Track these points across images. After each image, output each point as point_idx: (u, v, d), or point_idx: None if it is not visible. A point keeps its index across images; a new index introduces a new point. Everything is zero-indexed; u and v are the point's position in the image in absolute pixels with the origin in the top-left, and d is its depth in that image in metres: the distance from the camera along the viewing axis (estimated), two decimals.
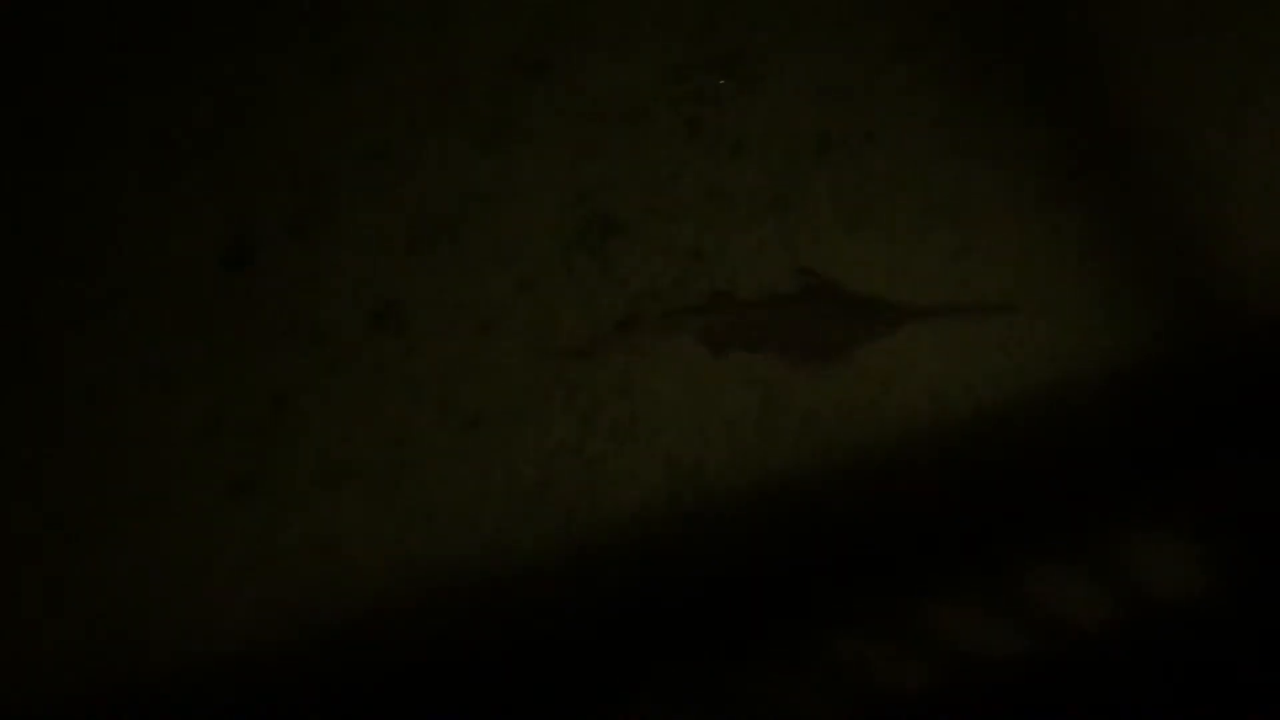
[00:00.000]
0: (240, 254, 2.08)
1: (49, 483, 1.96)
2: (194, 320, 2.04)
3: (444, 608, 1.91)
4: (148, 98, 2.17)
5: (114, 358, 2.02)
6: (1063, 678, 1.84)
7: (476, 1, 2.22)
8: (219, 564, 1.93)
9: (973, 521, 1.92)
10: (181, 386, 2.00)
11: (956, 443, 1.96)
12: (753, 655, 1.89)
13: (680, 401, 2.00)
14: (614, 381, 2.00)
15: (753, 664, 1.89)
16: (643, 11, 2.18)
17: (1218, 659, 1.84)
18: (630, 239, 2.07)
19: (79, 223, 2.10)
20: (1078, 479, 1.93)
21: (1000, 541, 1.90)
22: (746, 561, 1.91)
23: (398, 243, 2.07)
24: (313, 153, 2.13)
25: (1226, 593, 1.86)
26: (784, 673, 1.89)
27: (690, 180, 2.09)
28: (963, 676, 1.85)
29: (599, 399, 1.99)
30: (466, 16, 2.21)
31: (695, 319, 2.02)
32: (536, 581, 1.91)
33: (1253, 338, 1.98)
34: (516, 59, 2.17)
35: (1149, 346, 1.98)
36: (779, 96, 2.14)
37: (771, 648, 1.89)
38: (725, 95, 2.13)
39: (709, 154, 2.10)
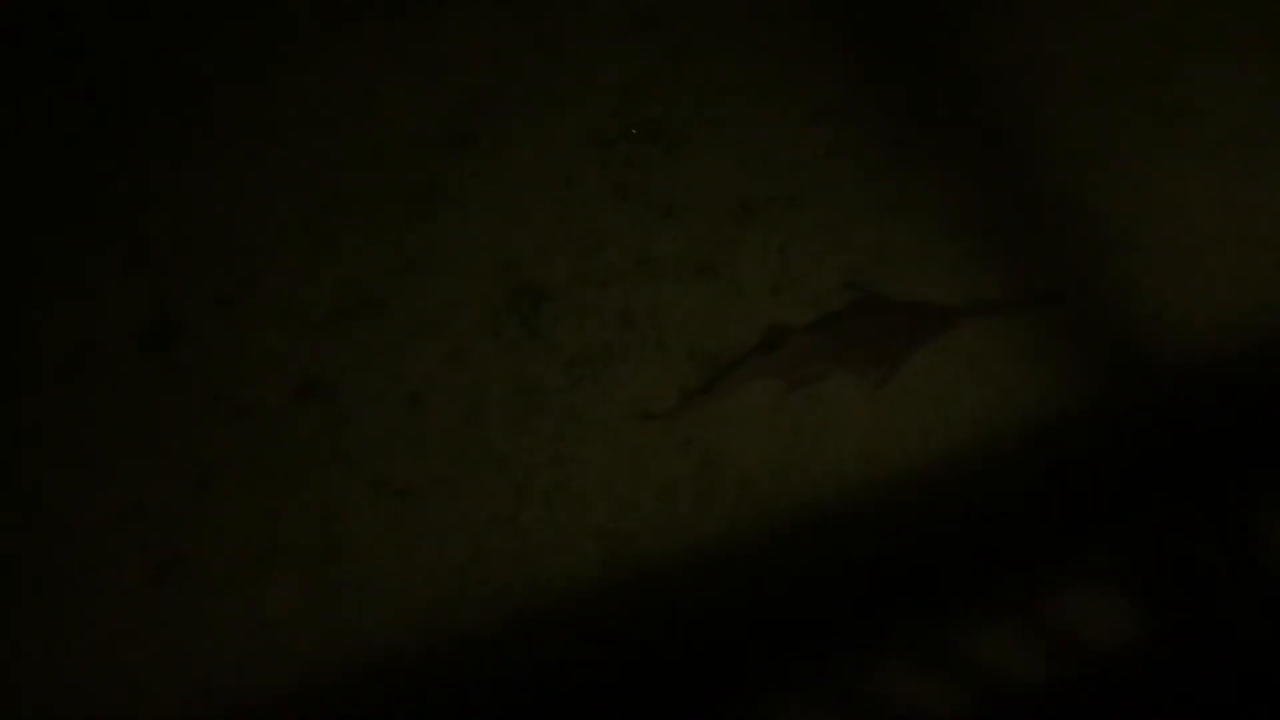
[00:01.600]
0: (163, 331, 2.05)
1: None
2: (117, 400, 2.01)
3: (379, 684, 1.87)
4: (65, 175, 2.15)
5: (33, 441, 1.98)
6: None
7: (402, 76, 2.23)
8: (146, 648, 1.88)
9: (907, 580, 1.93)
10: (104, 468, 1.96)
11: (889, 501, 1.97)
12: None
13: (613, 469, 1.99)
14: (546, 450, 2.00)
15: None
16: (566, 81, 2.21)
17: (1152, 708, 1.85)
18: (560, 306, 2.07)
19: None
20: (1009, 533, 1.95)
21: (936, 598, 1.91)
22: (683, 629, 1.90)
23: (324, 315, 2.06)
24: (237, 227, 2.11)
25: (1159, 641, 1.88)
26: None
27: (619, 246, 2.11)
28: None
29: (530, 468, 1.98)
30: (393, 91, 2.22)
31: (627, 384, 2.02)
32: (473, 653, 1.89)
33: (1169, 393, 2.03)
34: (442, 131, 2.18)
35: (1073, 402, 2.02)
36: (705, 162, 2.17)
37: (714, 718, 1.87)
38: (652, 161, 2.16)
39: (637, 220, 2.12)
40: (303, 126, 2.20)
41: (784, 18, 2.30)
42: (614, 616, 1.90)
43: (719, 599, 1.91)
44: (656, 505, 1.97)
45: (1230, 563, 1.92)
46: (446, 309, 2.07)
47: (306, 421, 2.00)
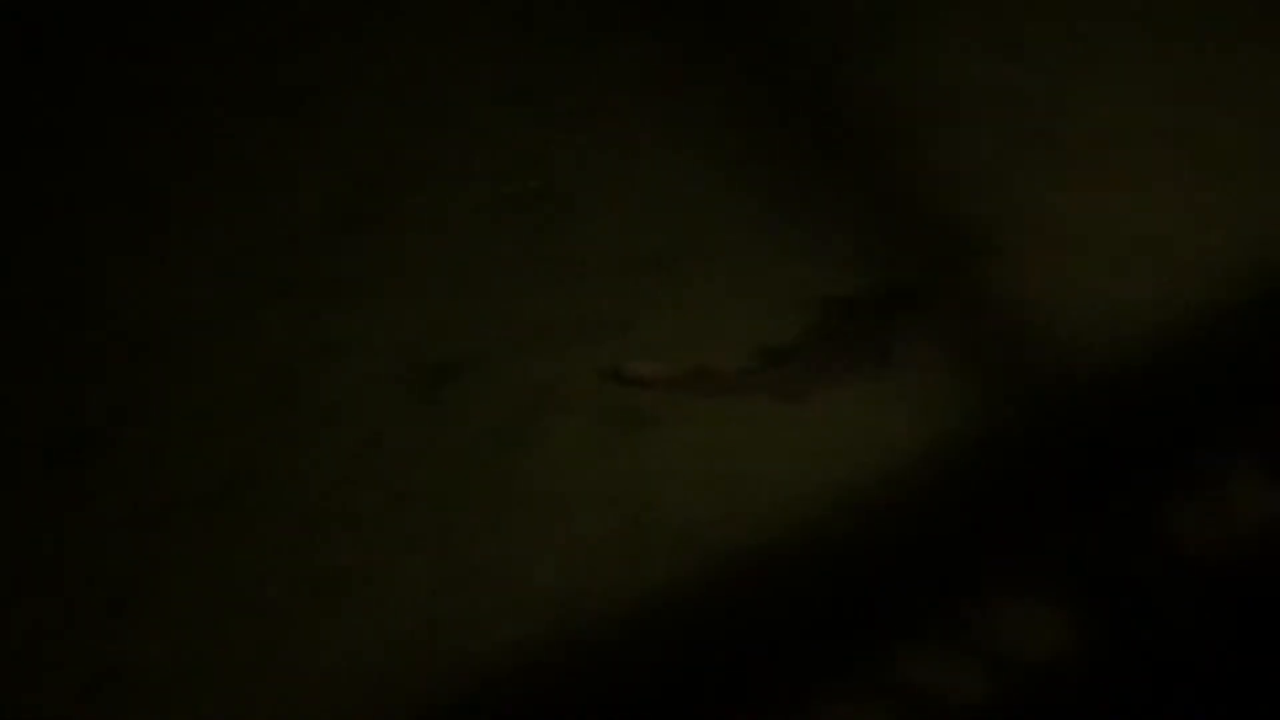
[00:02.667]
0: (68, 444, 2.02)
1: None
2: (24, 518, 1.97)
3: None
4: None
5: None
6: None
7: (297, 163, 2.25)
8: None
9: (849, 613, 1.93)
10: (19, 590, 1.92)
11: (824, 536, 1.98)
12: None
13: (548, 533, 1.99)
14: (478, 522, 1.99)
15: None
16: (461, 153, 2.23)
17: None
18: (472, 379, 2.08)
19: None
20: (941, 556, 1.96)
21: (872, 627, 1.92)
22: (629, 690, 1.89)
23: (235, 409, 2.05)
24: (142, 328, 2.10)
25: (1095, 654, 1.90)
26: None
27: (525, 313, 2.12)
28: None
29: (460, 541, 1.97)
30: (287, 179, 2.23)
31: (550, 449, 2.02)
32: None
33: (1099, 394, 2.06)
34: (341, 216, 2.19)
35: (993, 418, 2.05)
36: (605, 220, 2.20)
37: None
38: (553, 225, 2.18)
39: (540, 285, 2.14)
40: (203, 220, 2.20)
41: (662, 76, 2.35)
42: (564, 679, 1.88)
43: (665, 654, 1.90)
44: (594, 565, 1.96)
45: (1144, 565, 1.95)
46: (359, 392, 2.06)
47: (226, 521, 1.97)
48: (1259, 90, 2.29)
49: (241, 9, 2.47)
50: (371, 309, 2.13)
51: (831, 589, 1.94)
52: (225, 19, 2.45)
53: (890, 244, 2.18)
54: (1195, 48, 2.37)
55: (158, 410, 2.05)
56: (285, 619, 1.92)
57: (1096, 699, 1.87)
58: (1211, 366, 2.04)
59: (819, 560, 1.96)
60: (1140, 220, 2.15)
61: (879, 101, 2.30)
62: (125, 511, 1.98)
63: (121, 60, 2.46)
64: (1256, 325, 2.04)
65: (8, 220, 2.19)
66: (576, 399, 2.07)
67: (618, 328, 2.12)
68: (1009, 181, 2.22)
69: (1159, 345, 2.06)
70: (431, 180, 2.23)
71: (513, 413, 2.06)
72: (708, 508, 2.00)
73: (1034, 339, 2.09)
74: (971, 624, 1.92)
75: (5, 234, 2.18)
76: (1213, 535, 1.92)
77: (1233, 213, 2.14)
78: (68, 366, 2.07)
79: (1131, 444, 2.00)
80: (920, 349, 2.09)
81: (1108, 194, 2.17)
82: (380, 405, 2.07)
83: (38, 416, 2.04)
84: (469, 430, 2.05)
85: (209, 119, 2.40)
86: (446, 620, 1.92)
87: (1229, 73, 2.31)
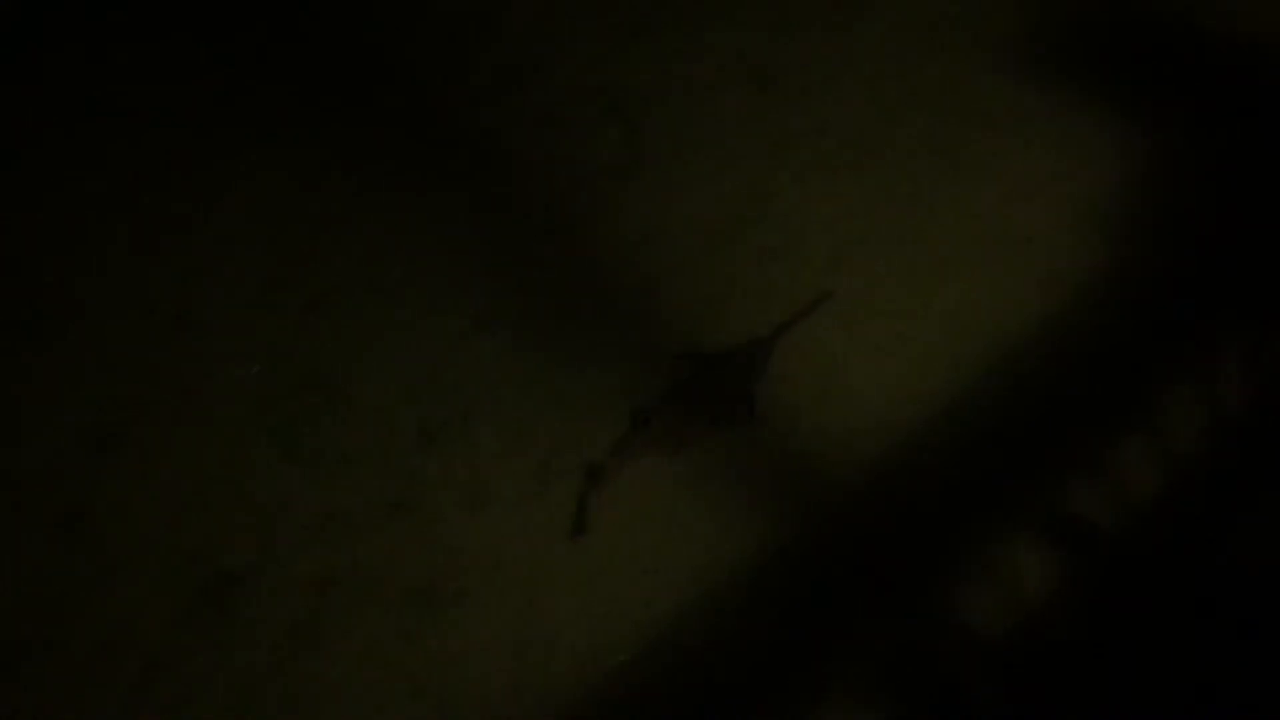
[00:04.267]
0: None
1: None
2: None
3: None
4: None
5: None
6: None
7: (52, 388, 2.13)
8: None
9: None
10: None
11: (629, 682, 1.97)
12: None
13: None
14: None
15: None
16: (211, 356, 2.16)
17: None
18: (254, 585, 1.98)
19: None
20: (748, 680, 1.98)
21: None
22: None
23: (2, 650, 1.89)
24: None
25: None
26: None
27: (301, 508, 2.05)
28: None
29: None
30: (45, 404, 2.11)
31: (346, 644, 1.94)
32: None
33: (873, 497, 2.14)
34: (92, 437, 2.08)
35: (782, 528, 2.10)
36: (371, 400, 2.16)
37: None
38: (317, 414, 2.13)
39: (314, 477, 2.08)
40: None
41: (414, 247, 2.35)
42: None
43: None
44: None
45: (943, 652, 2.03)
46: (130, 621, 1.93)
47: None
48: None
49: None
50: (134, 530, 2.02)
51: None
52: None
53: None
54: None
55: None
56: None
57: None
58: (979, 450, 2.17)
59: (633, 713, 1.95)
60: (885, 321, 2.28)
61: (631, 236, 2.37)
62: None
63: None
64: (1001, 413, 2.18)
65: None
66: (370, 586, 2.00)
67: (401, 507, 2.08)
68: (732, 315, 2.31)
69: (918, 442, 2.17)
70: (191, 381, 2.15)
71: (305, 611, 1.97)
72: (520, 677, 1.96)
73: (800, 456, 2.17)
74: None
75: None
76: (1006, 616, 2.02)
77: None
78: None
79: (917, 538, 2.09)
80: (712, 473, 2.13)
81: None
82: (160, 627, 1.94)
83: None
84: (260, 637, 1.95)
85: None
86: None
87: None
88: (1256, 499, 1.76)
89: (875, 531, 2.10)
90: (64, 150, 2.54)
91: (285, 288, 2.28)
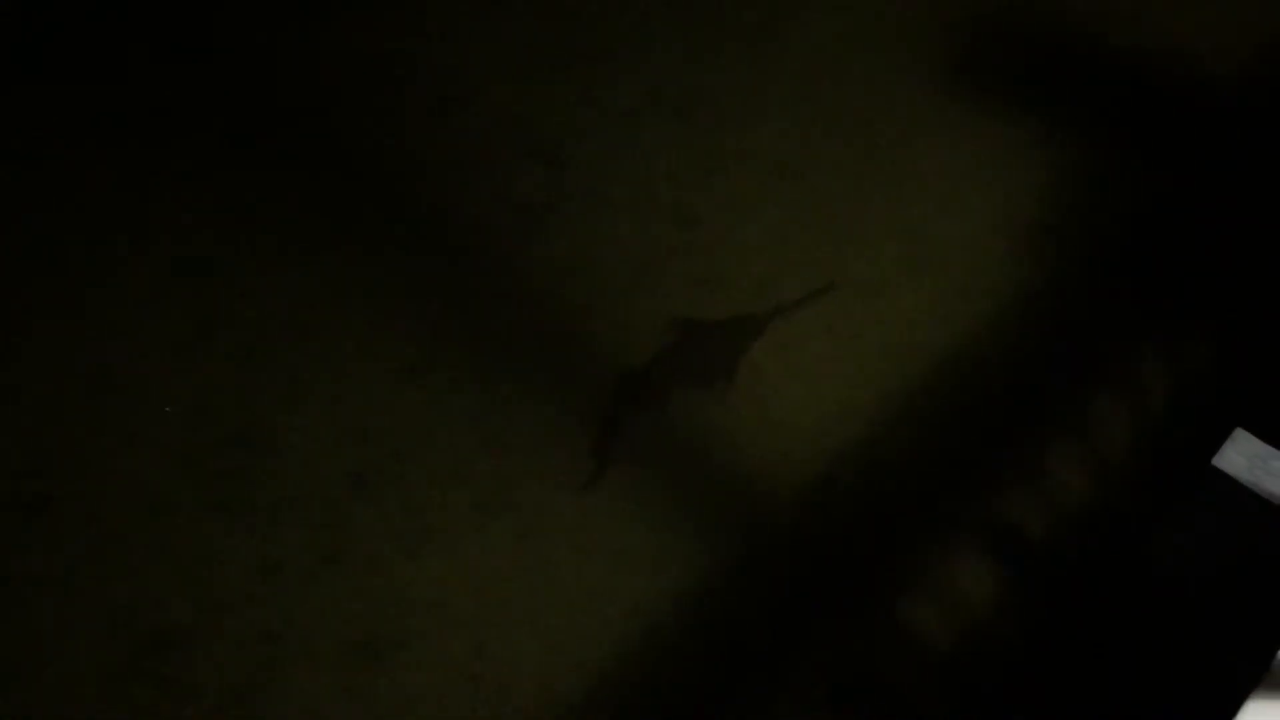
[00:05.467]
0: None
1: None
2: None
3: None
4: None
5: None
6: None
7: None
8: None
9: None
10: None
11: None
12: None
13: None
14: None
15: None
16: (134, 410, 2.13)
17: None
18: (191, 645, 1.94)
19: None
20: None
21: None
22: None
23: None
24: None
25: None
26: None
27: (236, 563, 2.01)
28: None
29: None
30: None
31: (288, 704, 1.92)
32: None
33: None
34: (16, 503, 2.04)
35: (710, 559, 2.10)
36: (302, 450, 2.13)
37: None
38: (246, 465, 2.10)
39: (247, 530, 2.05)
40: None
41: (341, 293, 2.33)
42: None
43: None
44: None
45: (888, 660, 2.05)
46: (63, 688, 1.89)
47: None
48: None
49: None
50: (72, 594, 1.98)
51: None
52: None
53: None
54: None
55: None
56: None
57: None
58: (914, 465, 2.19)
59: None
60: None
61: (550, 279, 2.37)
62: None
63: None
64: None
65: None
66: (311, 640, 1.97)
67: (335, 558, 2.05)
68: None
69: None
70: (113, 438, 2.12)
71: (245, 671, 1.94)
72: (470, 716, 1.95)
73: (739, 479, 2.18)
74: None
75: None
76: (950, 627, 2.05)
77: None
78: None
79: (859, 555, 2.11)
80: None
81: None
82: (97, 693, 1.90)
83: None
84: (202, 699, 1.92)
85: None
86: None
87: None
88: (1178, 500, 1.80)
89: (817, 551, 2.11)
90: None
91: (209, 340, 2.24)
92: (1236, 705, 1.43)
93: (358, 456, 2.14)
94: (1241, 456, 1.68)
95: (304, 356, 2.23)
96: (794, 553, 2.11)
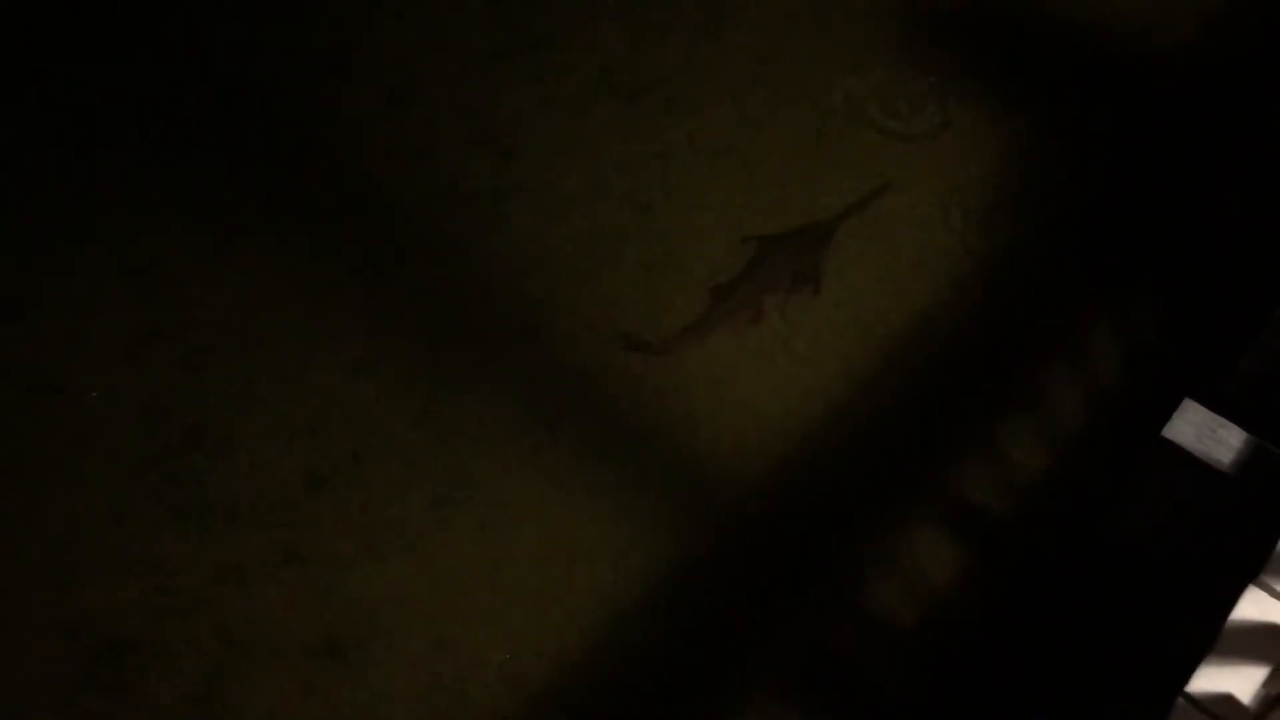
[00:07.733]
0: None
1: None
2: None
3: None
4: None
5: None
6: None
7: None
8: None
9: None
10: None
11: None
12: None
13: None
14: None
15: None
16: (81, 424, 2.10)
17: None
18: (148, 651, 1.92)
19: None
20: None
21: None
22: None
23: None
24: None
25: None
26: None
27: (192, 567, 1.99)
28: None
29: None
30: None
31: (251, 704, 1.90)
32: None
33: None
34: None
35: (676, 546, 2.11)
36: (255, 453, 2.11)
37: None
38: (201, 470, 2.08)
39: (203, 533, 2.02)
40: None
41: (290, 293, 2.31)
42: None
43: None
44: None
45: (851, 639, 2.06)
46: (24, 701, 1.87)
47: None
48: None
49: None
50: (23, 605, 1.95)
51: None
52: None
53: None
54: None
55: None
56: None
57: None
58: (873, 444, 2.20)
59: None
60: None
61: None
62: None
63: None
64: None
65: None
66: (271, 642, 1.96)
67: (295, 557, 2.03)
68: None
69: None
70: (60, 456, 2.09)
71: (199, 678, 1.91)
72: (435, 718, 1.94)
73: (698, 465, 2.18)
74: None
75: None
76: (913, 606, 2.06)
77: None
78: None
79: (821, 536, 2.11)
80: None
81: None
82: (55, 706, 1.88)
83: None
84: (160, 706, 1.90)
85: None
86: None
87: None
88: (1130, 470, 1.81)
89: (777, 533, 2.12)
90: None
91: (159, 343, 2.21)
92: (1189, 669, 1.45)
93: (312, 455, 2.12)
94: (1190, 426, 1.69)
95: (252, 356, 2.20)
96: (754, 535, 2.12)
